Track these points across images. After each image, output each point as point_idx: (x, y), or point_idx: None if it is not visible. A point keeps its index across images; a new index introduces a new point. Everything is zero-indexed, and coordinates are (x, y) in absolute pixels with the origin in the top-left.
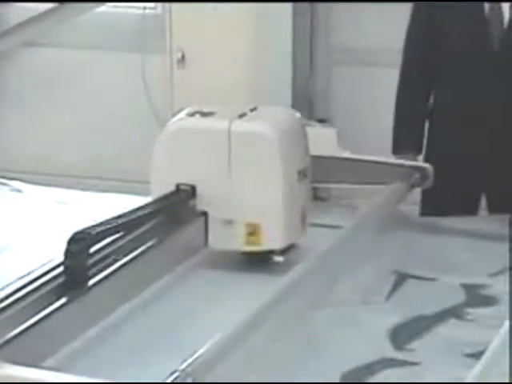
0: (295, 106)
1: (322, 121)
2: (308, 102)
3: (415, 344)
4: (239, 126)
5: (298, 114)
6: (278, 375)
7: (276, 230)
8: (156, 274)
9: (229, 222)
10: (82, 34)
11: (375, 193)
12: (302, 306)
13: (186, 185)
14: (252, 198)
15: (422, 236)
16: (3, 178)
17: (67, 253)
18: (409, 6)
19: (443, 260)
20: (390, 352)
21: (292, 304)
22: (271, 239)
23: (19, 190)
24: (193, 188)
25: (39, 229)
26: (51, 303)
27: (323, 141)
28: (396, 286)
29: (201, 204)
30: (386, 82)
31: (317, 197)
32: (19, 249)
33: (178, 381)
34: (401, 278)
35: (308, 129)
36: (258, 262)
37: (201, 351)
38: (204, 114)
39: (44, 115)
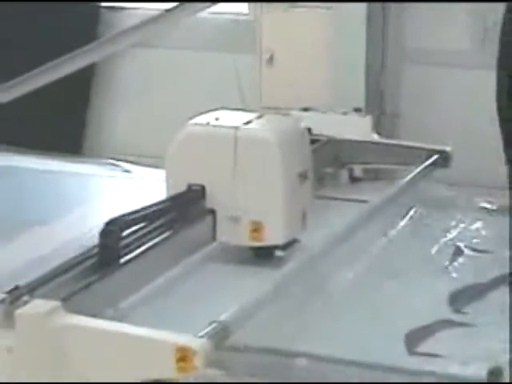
0: (367, 100)
1: (357, 110)
2: (379, 97)
3: (471, 308)
4: (244, 132)
5: (300, 122)
6: (342, 332)
7: (277, 227)
8: (169, 263)
9: (235, 220)
10: (184, 36)
11: (401, 173)
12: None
13: (196, 185)
14: (256, 198)
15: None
16: (115, 159)
17: (103, 236)
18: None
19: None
20: (449, 314)
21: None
22: (273, 235)
23: (128, 171)
24: (203, 188)
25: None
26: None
27: (359, 127)
28: (454, 257)
29: (210, 203)
30: (451, 81)
31: (352, 177)
32: None
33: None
34: (459, 250)
35: (346, 116)
36: (261, 256)
37: (235, 308)
38: (216, 119)
39: (150, 108)
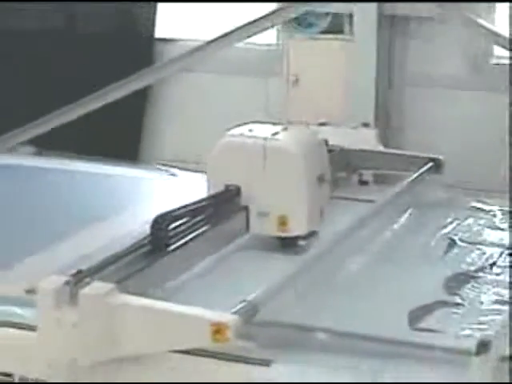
0: (375, 116)
1: (366, 124)
2: (385, 113)
3: (463, 290)
4: (272, 142)
5: (317, 135)
6: (354, 310)
7: (300, 220)
8: (209, 251)
9: (265, 214)
10: (224, 62)
11: (402, 178)
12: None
13: (232, 185)
14: (282, 197)
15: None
16: (164, 165)
17: (152, 228)
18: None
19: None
20: (445, 296)
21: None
22: (297, 227)
23: (174, 175)
24: (238, 188)
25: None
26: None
27: (367, 139)
28: (449, 248)
29: (244, 200)
30: (447, 100)
31: (361, 180)
32: None
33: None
34: (452, 243)
35: (356, 130)
36: (287, 244)
37: (262, 289)
38: (250, 131)
39: (194, 122)
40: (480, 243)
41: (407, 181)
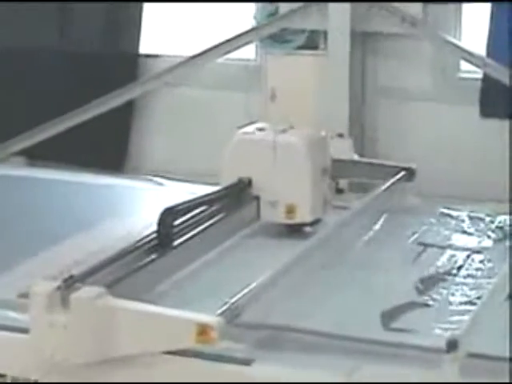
0: (350, 127)
1: (340, 135)
2: (360, 125)
3: (433, 292)
4: (282, 138)
5: (322, 132)
6: (324, 309)
7: (306, 208)
8: (221, 239)
9: (274, 203)
10: (206, 77)
11: (376, 186)
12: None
13: (245, 178)
14: (290, 187)
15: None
16: (149, 175)
17: (159, 223)
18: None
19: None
20: (416, 297)
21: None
22: (303, 215)
23: (161, 184)
24: (249, 180)
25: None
26: (148, 257)
27: (343, 149)
28: (421, 252)
29: (255, 191)
30: (417, 112)
31: (337, 189)
32: None
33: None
34: (423, 248)
35: (332, 140)
36: (295, 231)
37: (245, 291)
38: (259, 129)
39: (180, 134)
40: (449, 247)
41: (381, 189)
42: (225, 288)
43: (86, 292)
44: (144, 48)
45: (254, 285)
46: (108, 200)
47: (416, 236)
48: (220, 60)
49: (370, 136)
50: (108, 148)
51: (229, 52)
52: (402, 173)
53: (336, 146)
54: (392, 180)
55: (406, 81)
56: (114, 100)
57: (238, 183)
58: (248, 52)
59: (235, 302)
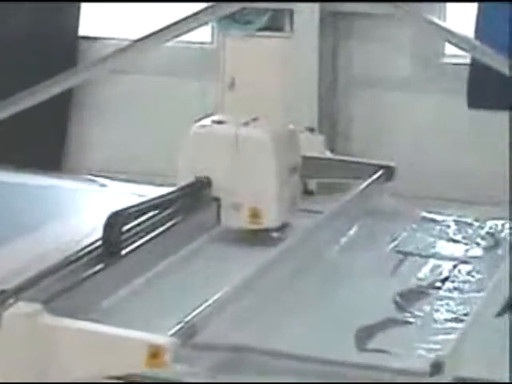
0: (320, 120)
1: (311, 130)
2: (331, 118)
3: (413, 307)
4: (244, 132)
5: (290, 125)
6: (298, 330)
7: (272, 212)
8: (177, 246)
9: (236, 206)
10: (155, 63)
11: (351, 187)
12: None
13: (203, 177)
14: (254, 188)
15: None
16: (92, 175)
17: (105, 228)
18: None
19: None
20: (394, 314)
21: (285, 268)
22: (269, 219)
23: (105, 185)
24: (208, 179)
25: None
26: (92, 268)
27: (313, 145)
28: (400, 262)
29: (215, 191)
30: (390, 102)
31: (306, 190)
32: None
33: (181, 331)
34: (404, 256)
35: (303, 135)
36: (260, 237)
37: (202, 307)
38: (218, 122)
39: (125, 127)
40: (432, 256)
41: (357, 190)
42: (179, 304)
43: (21, 308)
44: (84, 30)
45: (212, 300)
46: (48, 202)
47: (395, 243)
48: (171, 43)
49: (342, 131)
50: (43, 144)
51: (181, 34)
52: (380, 172)
53: (305, 142)
54: (369, 180)
55: (384, 68)
56: (50, 89)
57: (195, 183)
58: (203, 34)
59: (191, 320)
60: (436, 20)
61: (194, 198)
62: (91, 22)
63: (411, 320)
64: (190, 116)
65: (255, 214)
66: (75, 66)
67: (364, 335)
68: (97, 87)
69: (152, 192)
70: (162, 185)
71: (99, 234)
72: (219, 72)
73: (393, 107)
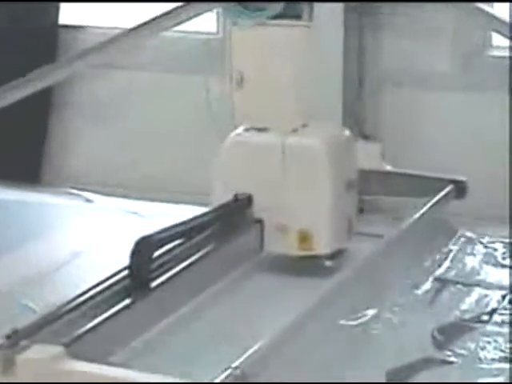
0: (344, 123)
1: (366, 137)
2: (357, 121)
3: (455, 345)
4: (292, 140)
5: (346, 130)
6: (327, 373)
7: (325, 236)
8: (214, 277)
9: (282, 229)
10: (151, 57)
11: (416, 205)
12: (346, 309)
13: (243, 194)
14: (304, 207)
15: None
16: (76, 189)
17: (132, 256)
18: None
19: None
20: (432, 352)
21: (337, 306)
22: (321, 245)
23: (90, 201)
24: (249, 197)
25: (108, 236)
26: (117, 303)
27: (368, 155)
28: (438, 292)
29: (257, 212)
30: (432, 104)
31: (362, 209)
32: (90, 255)
33: (229, 379)
34: (442, 285)
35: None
36: (310, 266)
37: (251, 350)
38: (259, 130)
39: (114, 132)
40: (477, 284)
41: (422, 209)
42: (221, 346)
43: (38, 352)
44: (65, 18)
45: (261, 343)
46: (29, 220)
47: (432, 269)
48: (169, 33)
49: (370, 134)
50: (20, 153)
51: (180, 23)
52: (449, 187)
53: (360, 152)
54: (436, 197)
55: (419, 62)
56: (27, 87)
57: (234, 202)
58: (207, 23)
59: (238, 366)
60: (482, 6)
61: (232, 220)
62: (73, 8)
63: (452, 359)
64: (192, 117)
65: (304, 238)
66: (55, 59)
67: (397, 377)
68: (82, 85)
69: (148, 209)
70: (161, 200)
71: (88, 255)
72: (226, 67)
73: (429, 108)
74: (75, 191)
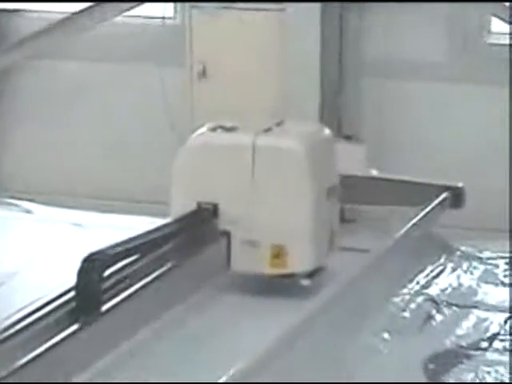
0: (322, 120)
1: (348, 137)
2: (336, 117)
3: (448, 375)
4: (264, 140)
5: (326, 129)
6: None
7: (303, 251)
8: (174, 298)
9: (253, 243)
10: (100, 45)
11: (406, 215)
12: (330, 334)
13: (207, 203)
14: (278, 218)
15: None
16: (14, 198)
17: (80, 275)
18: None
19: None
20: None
21: (320, 331)
22: (298, 262)
23: (29, 211)
24: (215, 206)
25: (50, 252)
26: (62, 330)
27: (351, 158)
28: (430, 315)
29: (223, 223)
30: (417, 96)
31: (344, 218)
32: (28, 274)
33: None
34: (435, 306)
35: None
36: (284, 286)
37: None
38: (227, 129)
39: (57, 131)
40: (475, 306)
41: (413, 220)
42: (183, 375)
43: None
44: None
45: (232, 372)
46: None
47: (425, 288)
48: (120, 19)
49: (352, 134)
50: None
51: (131, 8)
52: (444, 195)
53: (341, 154)
54: (429, 206)
55: (408, 50)
56: None
57: (196, 213)
58: (164, 7)
59: None
60: None
61: (194, 233)
62: None
63: None
64: (146, 113)
65: (279, 255)
66: None
67: None
68: (20, 77)
69: (92, 219)
70: (103, 210)
71: (27, 275)
72: (185, 57)
73: (420, 102)
74: (13, 201)
